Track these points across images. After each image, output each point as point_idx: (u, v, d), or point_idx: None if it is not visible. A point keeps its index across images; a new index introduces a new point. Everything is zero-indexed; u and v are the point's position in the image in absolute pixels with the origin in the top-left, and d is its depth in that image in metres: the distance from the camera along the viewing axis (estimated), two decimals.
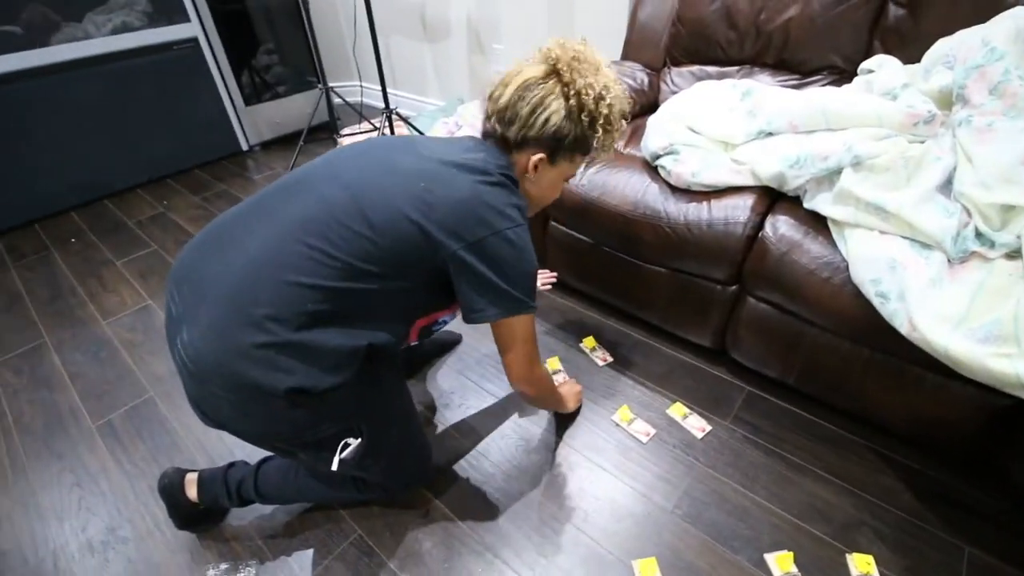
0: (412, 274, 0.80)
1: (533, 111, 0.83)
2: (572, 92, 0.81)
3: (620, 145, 1.51)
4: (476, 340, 1.52)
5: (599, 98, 0.83)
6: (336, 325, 0.76)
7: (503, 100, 0.84)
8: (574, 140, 0.86)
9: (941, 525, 1.04)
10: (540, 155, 0.86)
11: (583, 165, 0.97)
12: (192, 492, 1.03)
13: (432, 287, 0.84)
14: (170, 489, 1.04)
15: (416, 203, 0.78)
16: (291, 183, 0.84)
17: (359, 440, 0.87)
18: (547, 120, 0.83)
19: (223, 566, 1.00)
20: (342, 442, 0.87)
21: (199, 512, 1.07)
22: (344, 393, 0.79)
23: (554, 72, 0.83)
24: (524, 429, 1.26)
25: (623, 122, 0.91)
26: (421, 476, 1.11)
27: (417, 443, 1.05)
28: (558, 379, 1.37)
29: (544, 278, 1.34)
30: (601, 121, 0.85)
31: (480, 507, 1.10)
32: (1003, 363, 0.79)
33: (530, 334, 0.92)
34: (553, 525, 1.06)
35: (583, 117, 0.83)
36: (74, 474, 1.21)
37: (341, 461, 0.87)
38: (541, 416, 1.29)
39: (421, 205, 0.78)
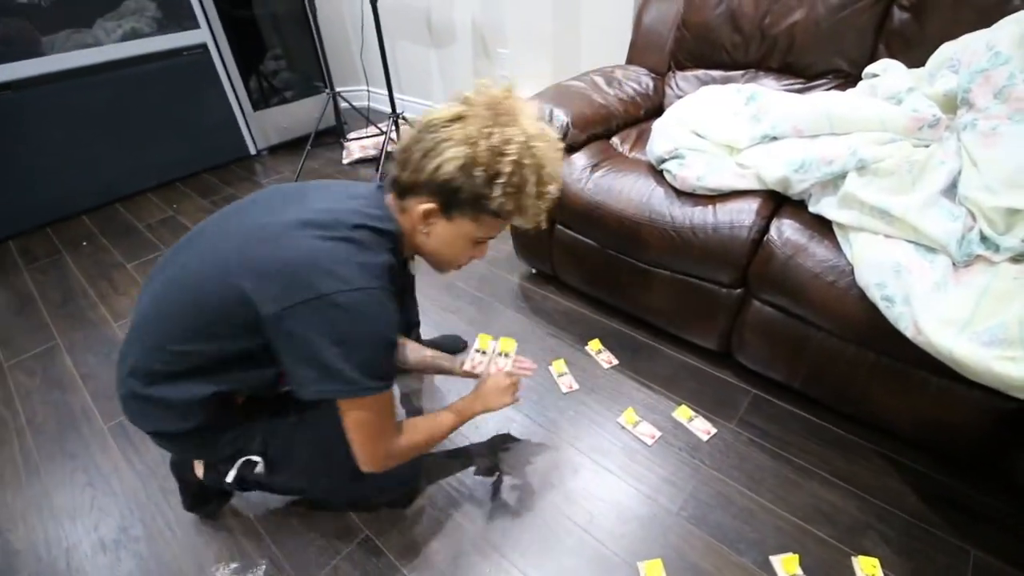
0: (247, 336, 0.77)
1: (426, 154, 0.75)
2: (471, 141, 0.73)
3: (625, 149, 1.52)
4: None
5: (499, 153, 0.73)
6: (185, 379, 0.82)
7: (403, 140, 0.79)
8: (471, 196, 0.76)
9: (947, 528, 1.04)
10: (429, 204, 0.78)
11: (504, 227, 0.85)
12: (199, 470, 1.08)
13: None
14: (180, 465, 1.09)
15: (242, 265, 0.74)
16: (191, 235, 0.88)
17: (261, 459, 0.94)
18: (438, 167, 0.74)
19: (233, 565, 1.01)
20: (242, 459, 0.93)
21: (204, 490, 1.10)
22: (210, 431, 0.88)
23: (460, 117, 0.75)
24: (530, 431, 1.27)
25: (547, 187, 0.78)
26: (376, 486, 1.01)
27: (350, 467, 0.93)
28: (500, 363, 1.13)
29: (520, 366, 1.15)
30: (502, 180, 0.73)
31: (487, 508, 1.11)
32: (1008, 366, 0.79)
33: (371, 419, 0.81)
34: (559, 526, 1.07)
35: (476, 172, 0.73)
36: (87, 474, 1.23)
37: (241, 477, 0.95)
38: (548, 419, 1.30)
39: (246, 266, 0.74)
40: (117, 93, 2.26)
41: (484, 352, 1.13)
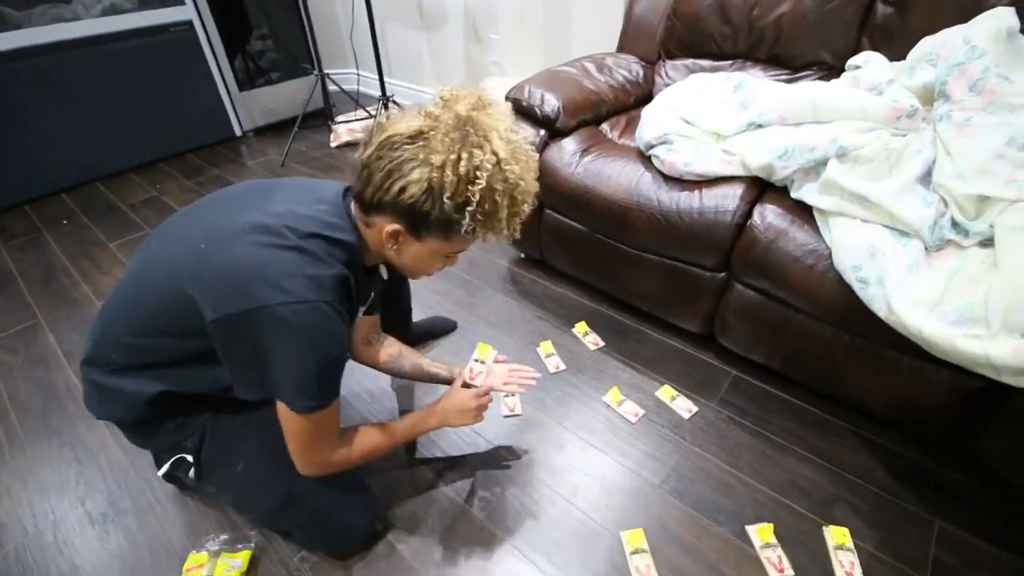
0: (195, 338, 0.75)
1: (389, 175, 0.69)
2: (437, 166, 0.67)
3: (615, 136, 1.55)
4: (472, 324, 1.55)
5: (468, 179, 0.68)
6: (136, 373, 0.84)
7: (363, 156, 0.72)
8: (440, 220, 0.71)
9: (915, 501, 1.09)
10: (396, 226, 0.73)
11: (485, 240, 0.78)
12: None
13: None
14: None
15: (189, 266, 0.73)
16: (161, 227, 0.87)
17: (193, 460, 0.93)
18: (403, 189, 0.69)
19: (223, 536, 1.02)
20: (175, 457, 0.93)
21: None
22: (153, 424, 0.89)
23: (422, 134, 0.69)
24: (520, 411, 1.29)
25: (520, 207, 0.74)
26: (305, 535, 1.00)
27: (282, 493, 0.93)
28: (489, 369, 1.08)
29: (523, 376, 1.08)
30: (471, 208, 0.69)
31: (476, 482, 1.14)
32: (973, 344, 0.83)
33: (307, 430, 0.79)
34: (546, 499, 1.10)
35: (444, 199, 0.68)
36: (73, 450, 1.22)
37: (172, 475, 0.96)
38: (535, 398, 1.32)
39: (192, 269, 0.73)
40: (99, 70, 2.21)
41: (483, 362, 1.07)
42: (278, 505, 0.95)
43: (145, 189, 2.33)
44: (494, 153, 0.69)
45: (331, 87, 2.71)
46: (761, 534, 1.01)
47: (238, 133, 2.76)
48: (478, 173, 0.68)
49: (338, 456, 0.87)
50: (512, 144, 0.72)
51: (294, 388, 0.74)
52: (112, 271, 1.82)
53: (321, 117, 2.83)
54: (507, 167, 0.70)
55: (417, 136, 0.69)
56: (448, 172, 0.67)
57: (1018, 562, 0.98)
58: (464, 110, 0.70)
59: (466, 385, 1.05)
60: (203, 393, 0.88)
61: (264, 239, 0.71)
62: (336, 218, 0.78)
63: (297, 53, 2.83)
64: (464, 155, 0.67)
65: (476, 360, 1.08)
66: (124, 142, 2.41)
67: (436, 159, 0.67)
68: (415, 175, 0.68)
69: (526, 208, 0.75)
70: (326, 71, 2.65)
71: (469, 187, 0.68)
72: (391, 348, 1.14)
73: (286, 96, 2.85)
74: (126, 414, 0.88)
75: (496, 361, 1.09)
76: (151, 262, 0.82)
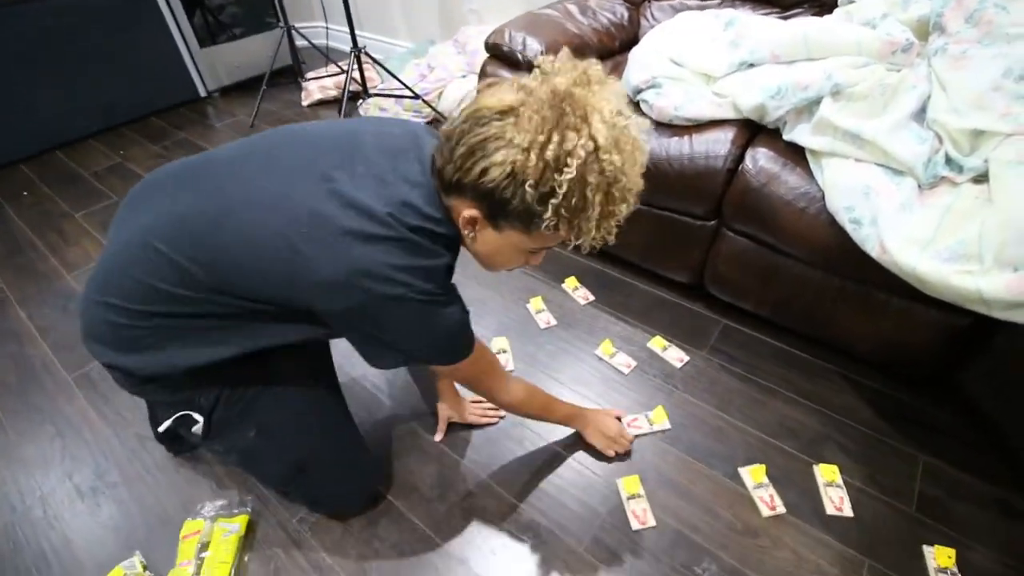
0: (273, 304, 0.71)
1: (471, 154, 0.62)
2: (524, 147, 0.59)
3: None
4: (461, 283, 1.51)
5: (556, 167, 0.59)
6: (175, 328, 0.74)
7: (448, 127, 0.66)
8: (520, 210, 0.63)
9: (900, 438, 1.12)
10: (474, 212, 0.67)
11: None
12: None
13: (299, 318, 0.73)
14: None
15: (285, 251, 0.66)
16: (199, 165, 0.77)
17: (200, 420, 0.86)
18: (484, 171, 0.62)
19: (219, 503, 1.01)
20: (181, 413, 0.86)
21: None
22: (174, 380, 0.79)
23: (512, 110, 0.61)
24: (511, 366, 1.29)
25: (616, 206, 0.64)
26: (309, 498, 1.01)
27: (292, 461, 0.92)
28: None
29: (619, 448, 1.09)
30: (556, 200, 0.60)
31: (473, 437, 1.14)
32: (966, 279, 0.83)
33: (468, 372, 0.84)
34: (543, 452, 1.11)
35: (527, 186, 0.60)
36: (55, 425, 1.19)
37: (174, 432, 0.90)
38: (527, 353, 1.32)
39: (289, 254, 0.66)
40: (48, 27, 2.05)
41: (651, 424, 1.15)
42: (286, 470, 0.94)
43: (108, 156, 2.22)
44: (592, 138, 0.59)
45: (299, 42, 2.57)
46: (753, 475, 1.03)
47: (202, 93, 2.61)
48: (568, 160, 0.59)
49: (511, 401, 0.95)
50: (616, 130, 0.61)
51: (434, 353, 0.79)
52: (80, 242, 1.74)
53: (290, 74, 2.68)
54: (605, 156, 0.60)
55: (508, 112, 0.61)
56: (533, 156, 0.59)
57: (999, 493, 1.02)
58: (563, 84, 0.60)
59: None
60: (246, 353, 0.79)
61: (372, 229, 0.66)
62: (433, 209, 0.71)
63: (260, 6, 2.65)
64: (555, 137, 0.59)
65: (647, 417, 1.16)
66: (82, 106, 2.26)
67: (522, 139, 0.59)
68: (498, 156, 0.60)
69: (623, 208, 0.65)
70: (293, 24, 2.50)
71: (556, 175, 0.59)
72: None
73: (251, 52, 2.69)
74: (148, 371, 0.77)
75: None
76: (236, 219, 0.69)
